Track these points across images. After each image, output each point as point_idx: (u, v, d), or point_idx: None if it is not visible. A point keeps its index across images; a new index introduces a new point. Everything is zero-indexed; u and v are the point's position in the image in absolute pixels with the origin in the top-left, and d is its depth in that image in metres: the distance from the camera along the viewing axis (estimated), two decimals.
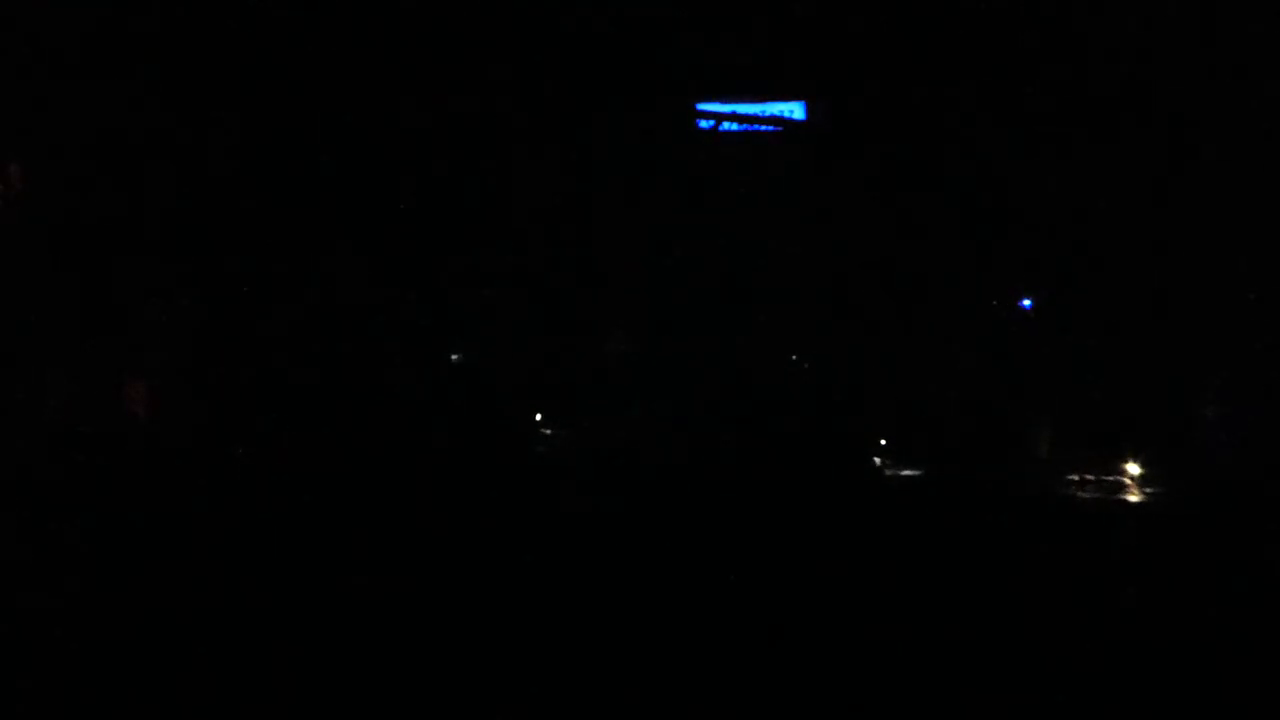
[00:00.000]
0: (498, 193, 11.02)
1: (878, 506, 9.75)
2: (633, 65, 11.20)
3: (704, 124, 12.40)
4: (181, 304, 9.47)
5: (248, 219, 9.75)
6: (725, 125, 12.42)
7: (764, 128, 12.44)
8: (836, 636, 6.21)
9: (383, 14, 10.11)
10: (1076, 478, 10.61)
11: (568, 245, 11.27)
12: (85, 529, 6.94)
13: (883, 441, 11.24)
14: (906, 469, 11.05)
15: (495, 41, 10.68)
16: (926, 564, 7.65)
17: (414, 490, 8.73)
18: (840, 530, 8.45)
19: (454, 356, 11.49)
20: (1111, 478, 10.46)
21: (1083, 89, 10.80)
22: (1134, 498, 10.19)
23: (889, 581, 7.13)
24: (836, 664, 5.78)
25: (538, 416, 11.64)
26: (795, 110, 12.49)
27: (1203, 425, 10.42)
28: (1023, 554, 7.87)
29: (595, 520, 8.34)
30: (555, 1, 10.71)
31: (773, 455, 10.22)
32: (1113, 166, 10.66)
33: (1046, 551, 7.95)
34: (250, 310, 9.80)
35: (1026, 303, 11.61)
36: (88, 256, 9.17)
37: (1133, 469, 10.46)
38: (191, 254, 9.60)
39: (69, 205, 9.28)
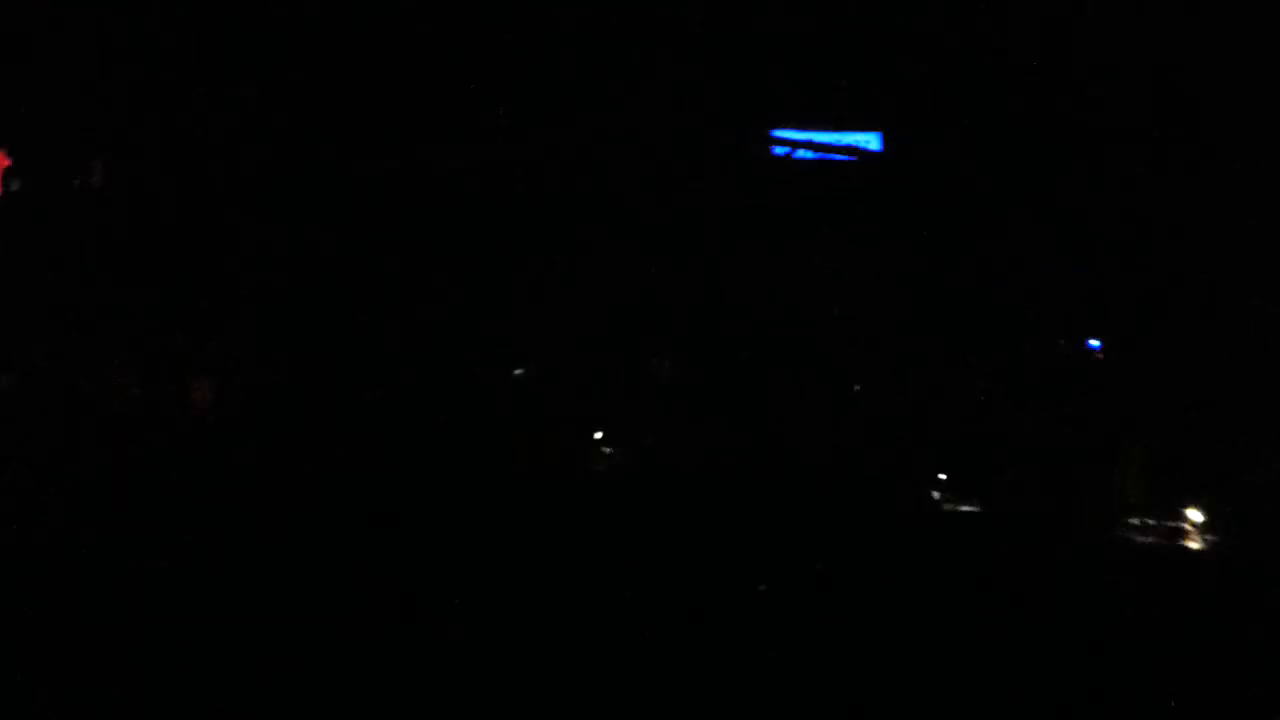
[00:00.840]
0: (565, 210, 11.10)
1: (931, 539, 9.76)
2: (708, 88, 11.25)
3: (778, 150, 12.41)
4: (247, 301, 9.63)
5: (312, 220, 9.91)
6: (799, 153, 12.41)
7: (839, 157, 12.42)
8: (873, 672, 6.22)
9: (449, 16, 10.22)
10: (1136, 521, 10.47)
11: (633, 267, 11.33)
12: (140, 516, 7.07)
13: (941, 476, 11.16)
14: (964, 504, 10.97)
15: (569, 56, 10.79)
16: (975, 602, 7.64)
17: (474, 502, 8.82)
18: (891, 560, 8.46)
19: (517, 371, 11.58)
20: (1172, 523, 10.30)
21: (1166, 123, 10.67)
22: (1193, 545, 10.04)
23: (934, 620, 7.12)
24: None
25: (598, 435, 11.68)
26: (871, 141, 12.47)
27: (1270, 475, 10.23)
28: (1074, 599, 7.84)
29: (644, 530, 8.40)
30: (627, 24, 10.78)
31: (825, 485, 10.21)
32: (1187, 203, 10.52)
33: (1098, 598, 7.91)
34: (315, 311, 9.94)
35: (1095, 343, 11.48)
36: (159, 252, 9.36)
37: (1194, 515, 10.29)
38: (260, 251, 9.77)
39: (146, 201, 9.47)
